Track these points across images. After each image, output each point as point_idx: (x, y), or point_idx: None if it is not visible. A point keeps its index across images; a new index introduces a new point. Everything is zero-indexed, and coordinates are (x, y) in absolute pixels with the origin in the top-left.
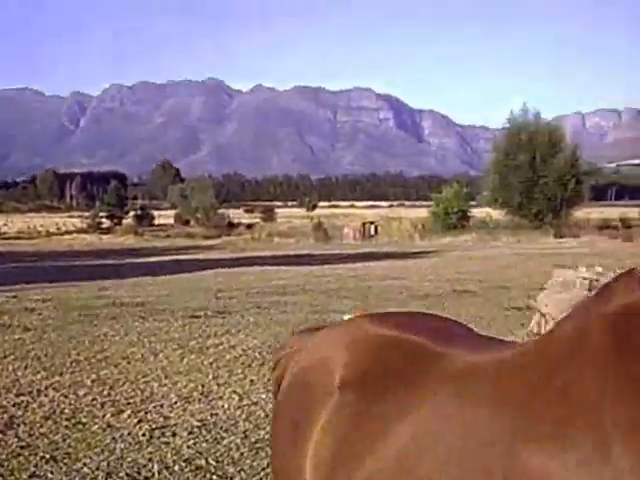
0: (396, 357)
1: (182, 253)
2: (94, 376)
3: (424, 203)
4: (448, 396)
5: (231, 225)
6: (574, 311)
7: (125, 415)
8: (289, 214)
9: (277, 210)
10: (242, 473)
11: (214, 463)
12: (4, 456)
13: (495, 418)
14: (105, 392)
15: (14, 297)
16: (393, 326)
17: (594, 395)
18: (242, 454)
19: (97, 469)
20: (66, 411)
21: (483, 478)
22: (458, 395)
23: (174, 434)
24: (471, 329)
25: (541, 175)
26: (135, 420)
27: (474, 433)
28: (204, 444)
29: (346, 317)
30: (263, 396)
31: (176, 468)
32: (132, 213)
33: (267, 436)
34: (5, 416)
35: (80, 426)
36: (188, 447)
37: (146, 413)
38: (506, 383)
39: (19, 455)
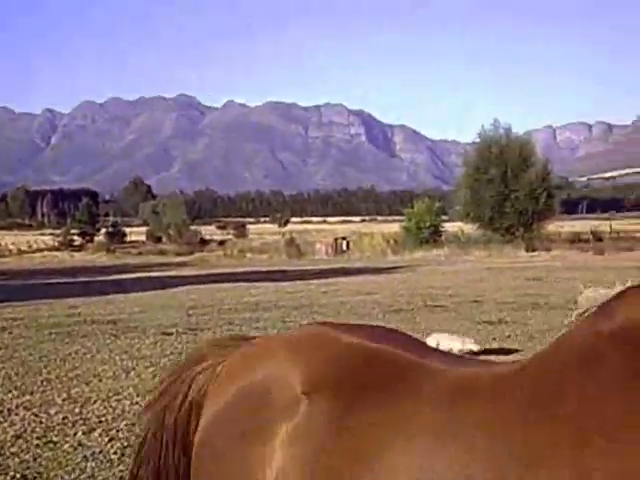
0: (373, 366)
1: (154, 270)
2: (65, 394)
3: (396, 218)
4: (445, 415)
5: (203, 242)
6: (577, 328)
7: (96, 434)
8: (261, 230)
9: (249, 226)
10: None
11: None
12: None
13: (498, 442)
14: (76, 410)
15: None
16: (361, 335)
17: (613, 419)
18: None
19: None
20: (37, 430)
21: None
22: (457, 415)
23: None
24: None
25: (512, 189)
26: (106, 439)
27: (475, 457)
28: None
29: None
30: None
31: None
32: (104, 230)
33: None
34: None
35: (51, 445)
36: None
37: (117, 431)
38: (509, 403)
39: None
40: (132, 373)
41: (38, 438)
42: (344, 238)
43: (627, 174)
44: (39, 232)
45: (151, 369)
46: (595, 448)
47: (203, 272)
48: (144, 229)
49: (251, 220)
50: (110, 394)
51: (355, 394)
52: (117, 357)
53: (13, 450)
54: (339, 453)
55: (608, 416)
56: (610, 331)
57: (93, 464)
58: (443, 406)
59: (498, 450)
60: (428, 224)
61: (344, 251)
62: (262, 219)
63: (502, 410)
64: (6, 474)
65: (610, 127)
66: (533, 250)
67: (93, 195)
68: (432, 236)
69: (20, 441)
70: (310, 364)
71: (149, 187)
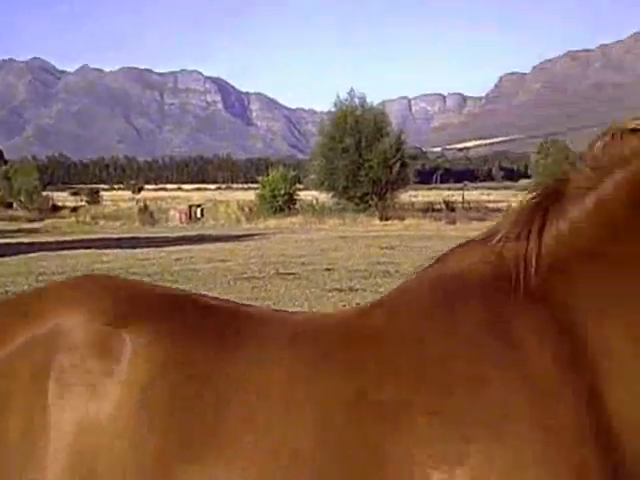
0: (184, 308)
1: (4, 236)
2: None
3: (252, 186)
4: (289, 364)
5: (55, 208)
6: (415, 276)
7: None
8: (115, 197)
9: (103, 193)
10: None
11: None
12: None
13: (350, 403)
14: None
15: None
16: (143, 283)
17: (459, 368)
18: None
19: None
20: None
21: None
22: (306, 362)
23: None
24: None
25: (366, 159)
26: None
27: (326, 420)
28: None
29: None
30: None
31: None
32: None
33: None
34: None
35: None
36: None
37: None
38: (355, 355)
39: None
40: None
41: None
42: (199, 206)
43: (480, 145)
44: None
45: None
46: (449, 400)
47: (54, 239)
48: None
49: (105, 187)
50: None
51: (177, 333)
52: None
53: None
54: (169, 393)
55: (454, 367)
56: (441, 276)
57: None
58: (285, 354)
59: (350, 412)
60: (283, 192)
61: (198, 219)
62: (116, 186)
63: (349, 364)
64: None
65: (464, 98)
66: (387, 219)
67: None
68: (287, 204)
69: None
70: (108, 301)
71: (1, 152)
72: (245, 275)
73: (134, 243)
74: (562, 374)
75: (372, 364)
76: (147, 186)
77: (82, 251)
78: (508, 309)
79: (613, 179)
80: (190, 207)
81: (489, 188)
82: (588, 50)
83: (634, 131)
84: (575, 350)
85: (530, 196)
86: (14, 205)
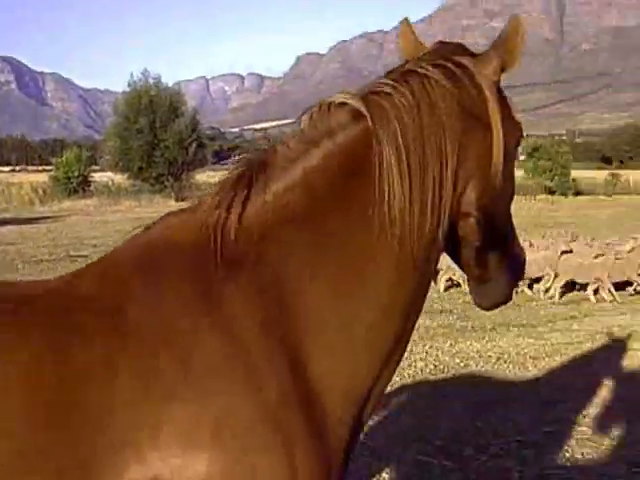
0: None
1: None
2: None
3: (47, 168)
4: None
5: None
6: (122, 244)
7: None
8: None
9: None
10: None
11: None
12: None
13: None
14: None
15: None
16: None
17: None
18: None
19: None
20: None
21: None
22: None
23: None
24: None
25: (161, 139)
26: None
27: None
28: None
29: None
30: None
31: None
32: None
33: None
34: None
35: None
36: None
37: None
38: (56, 316)
39: None
40: None
41: None
42: None
43: (278, 125)
44: None
45: None
46: (154, 361)
47: None
48: None
49: None
50: None
51: None
52: None
53: None
54: None
55: (161, 331)
56: (147, 243)
57: None
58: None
59: (58, 375)
60: (77, 174)
61: None
62: None
63: (54, 329)
64: None
65: (262, 78)
66: (183, 200)
67: None
68: (81, 186)
69: None
70: None
71: None
72: (35, 258)
73: None
74: (268, 337)
75: (78, 329)
76: None
77: None
78: (210, 276)
79: (320, 150)
80: None
81: None
82: (384, 31)
83: (342, 104)
84: (280, 313)
85: (236, 166)
86: None
